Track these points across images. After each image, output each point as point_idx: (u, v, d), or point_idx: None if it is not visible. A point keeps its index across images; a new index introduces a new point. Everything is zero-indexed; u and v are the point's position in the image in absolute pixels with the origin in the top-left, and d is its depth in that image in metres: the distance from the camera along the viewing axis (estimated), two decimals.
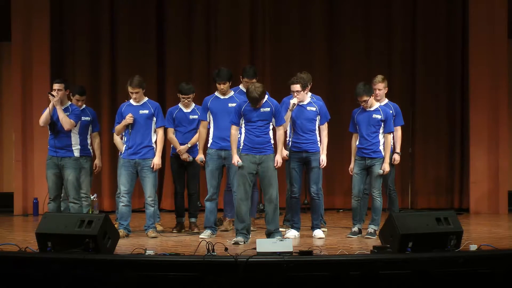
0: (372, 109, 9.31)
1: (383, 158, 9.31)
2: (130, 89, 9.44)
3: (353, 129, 9.47)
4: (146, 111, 9.46)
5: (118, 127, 9.54)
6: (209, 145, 9.57)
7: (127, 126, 9.43)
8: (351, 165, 9.48)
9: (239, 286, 6.99)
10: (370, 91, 9.27)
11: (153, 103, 9.58)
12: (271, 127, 8.94)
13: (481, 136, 12.26)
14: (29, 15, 12.27)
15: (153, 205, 9.45)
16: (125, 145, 9.50)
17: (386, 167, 9.28)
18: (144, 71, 12.61)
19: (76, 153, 9.44)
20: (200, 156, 9.56)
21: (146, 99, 9.53)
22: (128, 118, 9.40)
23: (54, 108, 9.35)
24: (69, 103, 9.56)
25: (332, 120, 9.75)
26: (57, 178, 9.41)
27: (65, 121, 9.31)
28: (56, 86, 9.43)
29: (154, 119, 9.49)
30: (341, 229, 10.11)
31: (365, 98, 9.22)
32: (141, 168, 9.41)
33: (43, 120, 9.44)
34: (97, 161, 10.11)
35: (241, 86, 9.81)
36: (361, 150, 9.34)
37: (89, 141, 10.04)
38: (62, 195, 9.63)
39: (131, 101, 9.53)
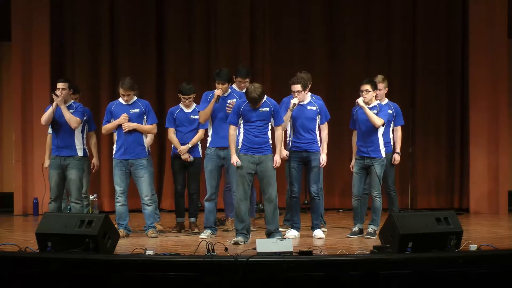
0: (370, 106, 9.32)
1: (382, 158, 9.32)
2: (121, 91, 9.44)
3: (353, 126, 9.48)
4: (137, 110, 9.46)
5: (108, 126, 9.51)
6: (207, 144, 9.59)
7: (119, 126, 9.43)
8: (352, 162, 9.49)
9: (239, 286, 6.99)
10: (374, 85, 9.32)
11: (143, 101, 9.59)
12: (269, 127, 8.95)
13: (481, 136, 12.26)
14: (29, 15, 12.26)
15: (150, 203, 9.44)
16: (115, 145, 9.52)
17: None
18: (144, 71, 12.66)
19: (80, 153, 9.45)
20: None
21: (135, 98, 9.53)
22: (123, 118, 9.40)
23: (57, 108, 9.36)
24: (72, 101, 9.57)
25: (332, 120, 9.75)
26: (60, 178, 9.42)
27: (72, 120, 9.34)
28: (60, 85, 9.44)
29: (145, 117, 9.50)
30: (341, 229, 10.11)
31: (367, 87, 9.22)
32: (134, 168, 9.41)
33: (45, 119, 9.45)
34: (94, 160, 10.08)
35: (234, 86, 9.81)
36: (360, 149, 9.34)
37: (84, 141, 10.00)
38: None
39: (121, 100, 9.52)
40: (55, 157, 9.43)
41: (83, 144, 9.55)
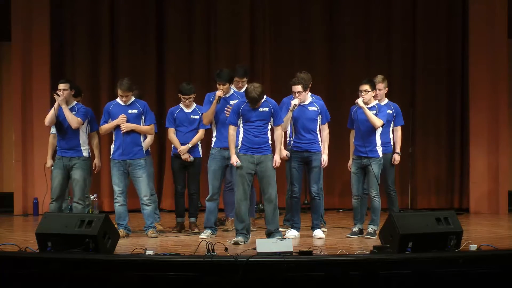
0: (368, 106, 9.32)
1: (379, 157, 9.32)
2: (120, 92, 9.44)
3: (351, 125, 9.49)
4: (135, 111, 9.47)
5: (106, 126, 9.51)
6: (212, 144, 9.60)
7: (117, 126, 9.43)
8: (350, 162, 9.50)
9: (239, 286, 6.98)
10: (373, 85, 9.34)
11: (141, 102, 9.59)
12: (269, 127, 8.95)
13: (481, 136, 12.26)
14: (29, 15, 12.26)
15: (149, 204, 9.44)
16: (113, 145, 9.52)
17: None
18: (144, 71, 12.66)
19: (85, 153, 9.44)
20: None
21: (133, 98, 9.53)
22: (121, 119, 9.40)
23: (59, 108, 9.36)
24: (75, 102, 9.56)
25: (332, 120, 9.76)
26: (63, 179, 9.41)
27: (72, 119, 9.33)
28: (61, 86, 9.44)
29: (143, 118, 9.50)
30: (341, 229, 10.11)
31: (366, 87, 9.23)
32: (132, 168, 9.41)
33: (49, 119, 9.45)
34: (96, 161, 10.08)
35: (232, 86, 9.81)
36: (358, 149, 9.34)
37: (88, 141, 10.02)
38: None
39: (119, 100, 9.52)
40: (60, 157, 9.41)
41: (88, 144, 9.55)
